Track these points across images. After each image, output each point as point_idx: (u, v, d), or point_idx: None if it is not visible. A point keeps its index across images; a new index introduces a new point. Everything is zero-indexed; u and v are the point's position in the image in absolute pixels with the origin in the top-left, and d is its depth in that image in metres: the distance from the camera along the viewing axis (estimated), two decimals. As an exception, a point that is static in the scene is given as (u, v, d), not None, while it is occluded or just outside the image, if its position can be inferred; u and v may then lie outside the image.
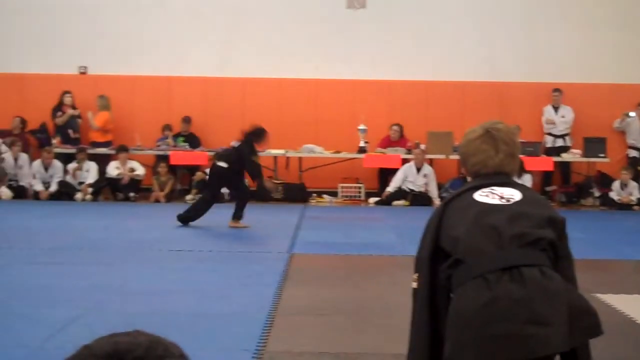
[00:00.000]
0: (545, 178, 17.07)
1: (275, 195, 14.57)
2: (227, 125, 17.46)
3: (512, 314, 3.02)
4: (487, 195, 3.32)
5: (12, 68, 17.44)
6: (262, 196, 13.91)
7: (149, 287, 8.15)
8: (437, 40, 17.58)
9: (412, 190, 16.34)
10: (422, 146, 16.64)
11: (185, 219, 12.57)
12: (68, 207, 15.23)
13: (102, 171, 16.40)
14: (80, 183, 16.29)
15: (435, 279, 3.28)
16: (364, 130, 16.80)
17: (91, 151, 16.74)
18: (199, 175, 16.45)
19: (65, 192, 16.11)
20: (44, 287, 8.00)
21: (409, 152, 16.75)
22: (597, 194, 16.91)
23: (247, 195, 12.96)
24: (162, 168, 16.54)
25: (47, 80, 17.33)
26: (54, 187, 16.20)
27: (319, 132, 17.34)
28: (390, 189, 16.42)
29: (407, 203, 16.20)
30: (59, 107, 17.22)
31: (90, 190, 16.15)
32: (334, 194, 16.93)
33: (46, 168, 16.33)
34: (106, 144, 17.09)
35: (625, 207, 16.17)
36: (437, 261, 3.29)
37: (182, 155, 16.72)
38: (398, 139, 17.15)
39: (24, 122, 17.14)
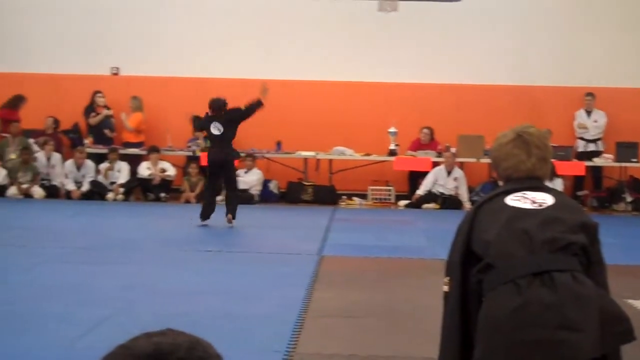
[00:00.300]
0: (576, 183, 16.95)
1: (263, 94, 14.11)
2: (258, 127, 17.51)
3: (543, 319, 3.01)
4: (519, 200, 3.31)
5: (45, 68, 17.58)
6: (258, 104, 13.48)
7: (179, 288, 8.19)
8: (469, 43, 17.51)
9: (442, 194, 16.29)
10: (453, 149, 16.59)
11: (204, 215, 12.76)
12: (99, 206, 15.34)
13: (133, 171, 16.50)
14: (112, 183, 16.40)
15: (466, 283, 3.27)
16: (394, 133, 16.77)
17: (123, 151, 16.85)
18: (229, 176, 16.48)
19: (97, 192, 16.22)
20: (76, 287, 8.07)
21: (440, 155, 16.70)
22: (629, 199, 16.77)
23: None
24: (192, 169, 16.61)
25: (80, 81, 17.45)
26: (86, 187, 16.31)
27: (349, 134, 17.33)
28: (421, 192, 16.37)
29: (437, 206, 16.15)
30: (91, 107, 17.36)
31: (121, 190, 16.25)
32: (363, 196, 16.92)
33: (78, 168, 16.45)
34: (138, 145, 17.19)
35: (657, 212, 16.03)
36: (468, 265, 3.28)
37: (212, 157, 16.75)
38: (429, 142, 17.11)
39: (56, 122, 17.28)
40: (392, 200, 16.87)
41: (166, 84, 17.67)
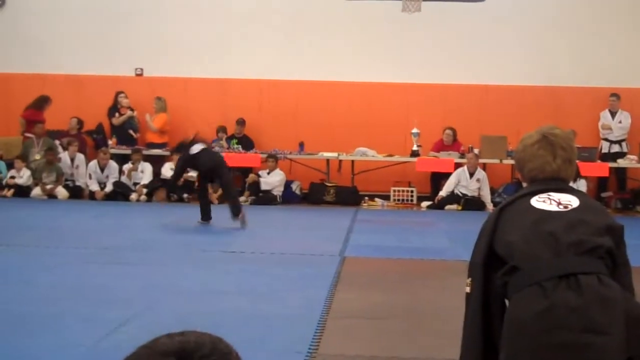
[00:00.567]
0: (600, 184, 16.85)
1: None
2: (281, 128, 17.55)
3: (568, 322, 2.99)
4: (544, 201, 3.29)
5: (69, 69, 17.69)
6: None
7: (202, 288, 8.22)
8: (492, 43, 17.45)
9: (464, 195, 16.24)
10: (476, 150, 16.53)
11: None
12: (123, 207, 15.41)
13: (156, 172, 16.56)
14: (135, 184, 16.47)
15: (488, 285, 3.26)
16: (417, 134, 16.74)
17: (146, 152, 16.92)
18: (251, 177, 16.53)
19: (121, 193, 16.29)
20: (99, 287, 8.11)
21: (462, 156, 16.66)
22: (653, 200, 16.66)
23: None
24: (215, 170, 16.63)
25: (104, 82, 17.54)
26: (109, 188, 16.39)
27: (371, 135, 17.31)
28: (443, 193, 16.33)
29: (459, 207, 16.11)
30: (115, 107, 17.44)
31: (144, 190, 16.31)
32: (386, 197, 16.89)
33: (102, 168, 16.53)
34: (162, 145, 17.25)
35: (682, 214, 15.91)
36: (491, 266, 3.26)
37: (235, 157, 16.80)
38: (451, 143, 17.06)
39: (80, 122, 17.38)
40: (414, 202, 16.84)
41: (189, 84, 17.74)
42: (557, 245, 3.13)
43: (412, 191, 16.95)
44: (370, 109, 17.51)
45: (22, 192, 16.15)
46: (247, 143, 17.39)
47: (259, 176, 16.49)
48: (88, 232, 11.90)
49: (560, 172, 3.40)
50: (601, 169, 16.40)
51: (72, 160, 16.72)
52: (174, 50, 17.69)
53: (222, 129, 17.41)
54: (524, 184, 3.51)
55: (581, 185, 14.80)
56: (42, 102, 17.06)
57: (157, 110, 17.42)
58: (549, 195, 3.32)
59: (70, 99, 17.55)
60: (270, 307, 7.44)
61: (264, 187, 16.42)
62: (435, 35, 17.46)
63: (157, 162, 16.76)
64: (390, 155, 16.96)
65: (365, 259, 10.38)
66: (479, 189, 16.29)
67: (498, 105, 17.38)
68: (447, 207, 16.14)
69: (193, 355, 1.72)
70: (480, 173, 16.35)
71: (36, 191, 16.22)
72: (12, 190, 16.15)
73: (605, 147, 17.05)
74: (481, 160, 16.52)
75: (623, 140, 17.10)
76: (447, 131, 17.05)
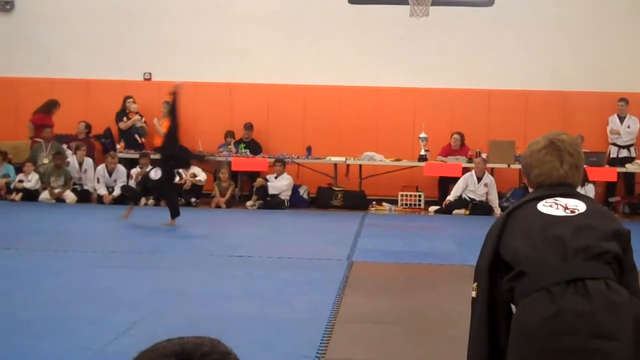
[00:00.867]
0: (608, 189, 16.82)
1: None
2: (288, 132, 17.56)
3: (576, 327, 2.99)
4: (551, 206, 3.29)
5: (78, 74, 17.73)
6: None
7: (209, 292, 8.22)
8: (500, 48, 17.45)
9: (472, 200, 16.22)
10: (484, 155, 16.52)
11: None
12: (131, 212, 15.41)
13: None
14: (143, 188, 16.49)
15: (494, 289, 3.26)
16: (424, 139, 16.74)
17: (154, 156, 16.92)
18: (259, 181, 16.54)
19: (128, 197, 16.29)
20: (107, 290, 8.12)
21: (470, 160, 16.64)
22: (661, 205, 16.62)
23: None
24: (223, 174, 16.67)
25: (112, 86, 17.58)
26: (117, 192, 16.42)
27: (379, 139, 17.32)
28: (451, 197, 16.32)
29: (467, 212, 16.10)
30: (123, 112, 17.48)
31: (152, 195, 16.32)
32: (393, 201, 16.89)
33: (110, 173, 16.56)
34: (169, 150, 17.26)
35: (691, 219, 15.86)
36: (496, 271, 3.26)
37: (243, 162, 16.83)
38: (459, 148, 17.05)
39: (89, 126, 17.42)
40: (422, 206, 16.83)
41: (197, 89, 17.75)
42: (564, 250, 3.12)
43: (419, 196, 16.93)
44: (378, 114, 17.51)
45: (30, 196, 16.18)
46: (255, 147, 17.41)
47: (266, 180, 16.50)
48: (96, 236, 11.93)
49: (568, 178, 3.40)
50: (609, 173, 16.36)
51: (80, 164, 16.75)
52: (183, 54, 17.72)
53: (230, 134, 17.44)
54: (530, 190, 3.51)
55: (589, 190, 14.78)
56: (50, 107, 17.10)
57: (166, 114, 17.43)
58: (555, 200, 3.32)
59: (79, 104, 17.59)
60: (278, 311, 7.44)
61: (271, 191, 16.43)
62: (443, 39, 17.45)
63: (165, 166, 16.76)
64: (398, 160, 16.95)
65: (373, 263, 10.38)
66: (487, 193, 16.27)
67: (506, 109, 17.36)
68: (455, 211, 16.13)
69: (194, 354, 1.77)
70: (488, 178, 16.33)
71: (44, 195, 16.26)
72: (20, 194, 16.19)
73: (613, 151, 17.02)
74: (489, 165, 16.50)
75: (631, 145, 17.07)
76: (455, 136, 17.04)
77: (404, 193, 16.95)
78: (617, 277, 3.13)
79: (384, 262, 10.45)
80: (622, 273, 3.16)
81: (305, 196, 16.96)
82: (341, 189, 16.87)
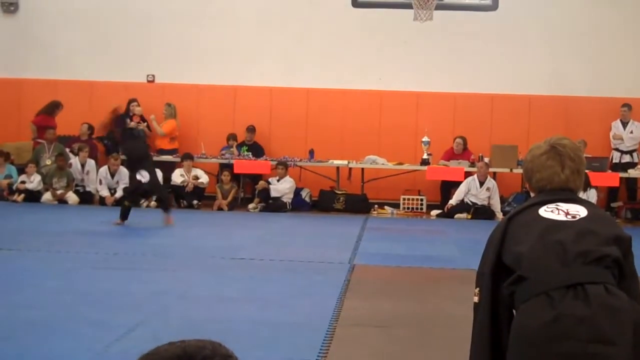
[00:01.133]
0: (611, 194, 16.82)
1: None
2: (291, 135, 17.57)
3: (576, 332, 2.99)
4: (552, 211, 3.29)
5: (81, 75, 17.76)
6: None
7: (211, 294, 8.23)
8: (504, 52, 17.46)
9: (474, 204, 16.23)
10: (486, 159, 16.53)
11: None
12: (133, 213, 15.39)
13: (167, 178, 16.58)
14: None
15: (496, 294, 3.26)
16: (427, 142, 16.75)
17: (156, 158, 16.92)
18: (261, 184, 16.56)
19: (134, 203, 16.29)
20: (109, 292, 8.13)
21: (473, 165, 16.65)
22: (664, 211, 16.62)
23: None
24: (225, 176, 16.69)
25: (115, 88, 17.59)
26: (119, 193, 16.43)
27: (381, 143, 17.33)
28: (453, 201, 16.32)
29: (469, 216, 16.10)
30: (127, 115, 17.43)
31: (154, 197, 16.32)
32: (395, 205, 16.90)
33: (112, 174, 16.58)
34: (172, 152, 17.30)
35: (693, 225, 15.86)
36: (498, 276, 3.27)
37: (245, 164, 16.85)
38: (462, 152, 17.06)
39: (91, 128, 17.43)
40: (424, 210, 16.83)
41: (200, 91, 17.79)
42: (564, 255, 3.13)
43: (421, 199, 16.94)
44: (381, 117, 17.53)
45: (32, 197, 16.21)
46: (257, 150, 17.43)
47: (268, 183, 16.51)
48: (98, 238, 11.94)
49: (569, 183, 3.40)
50: (612, 179, 16.37)
51: (83, 165, 16.77)
52: (186, 57, 17.75)
53: (232, 136, 17.45)
54: (531, 194, 3.52)
55: (592, 195, 14.78)
56: (53, 108, 17.12)
57: (167, 116, 17.47)
58: (557, 205, 3.32)
59: (82, 105, 17.61)
60: (279, 314, 7.44)
61: (273, 194, 16.45)
62: (446, 44, 17.46)
63: (167, 169, 16.78)
64: (400, 164, 16.96)
65: (375, 267, 10.38)
66: (489, 197, 16.28)
67: (509, 114, 17.37)
68: (457, 215, 16.13)
69: (195, 357, 1.79)
70: (490, 182, 16.34)
71: (47, 196, 16.28)
72: (22, 195, 16.21)
73: (616, 157, 17.03)
74: (491, 169, 16.51)
75: (634, 150, 17.08)
76: (458, 140, 17.05)
77: (406, 197, 16.96)
78: (617, 282, 3.13)
79: (385, 266, 10.45)
80: (623, 278, 3.16)
81: (307, 199, 16.97)
82: (343, 192, 16.88)
